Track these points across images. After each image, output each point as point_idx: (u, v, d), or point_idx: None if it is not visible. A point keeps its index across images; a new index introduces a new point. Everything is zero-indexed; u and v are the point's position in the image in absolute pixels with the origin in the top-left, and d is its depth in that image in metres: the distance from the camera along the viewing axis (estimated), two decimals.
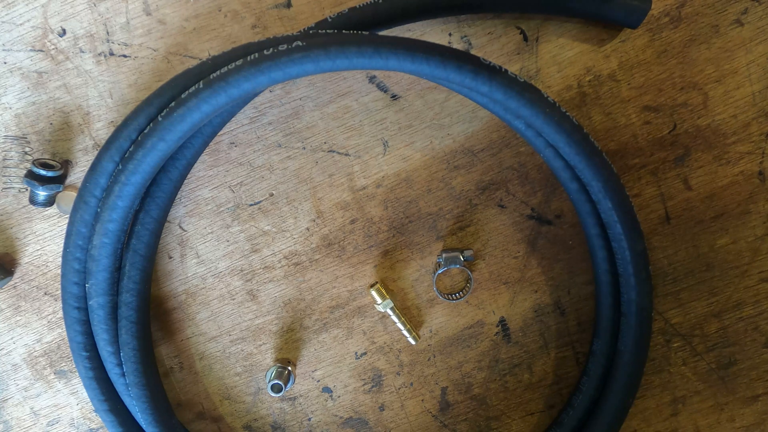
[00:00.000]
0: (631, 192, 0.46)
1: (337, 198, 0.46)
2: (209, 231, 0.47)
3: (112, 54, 0.45)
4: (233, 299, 0.48)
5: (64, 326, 0.47)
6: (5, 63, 0.45)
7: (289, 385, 0.47)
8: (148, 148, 0.38)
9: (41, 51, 0.44)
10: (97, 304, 0.42)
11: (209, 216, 0.47)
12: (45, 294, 0.47)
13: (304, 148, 0.46)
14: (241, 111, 0.44)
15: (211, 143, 0.45)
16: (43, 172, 0.43)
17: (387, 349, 0.48)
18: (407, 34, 0.44)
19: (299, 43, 0.36)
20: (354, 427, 0.49)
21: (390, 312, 0.46)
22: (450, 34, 0.44)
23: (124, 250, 0.42)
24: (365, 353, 0.48)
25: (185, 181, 0.45)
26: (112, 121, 0.45)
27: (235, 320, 0.48)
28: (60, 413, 0.49)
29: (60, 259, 0.46)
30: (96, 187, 0.40)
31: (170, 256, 0.47)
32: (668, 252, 0.46)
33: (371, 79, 0.45)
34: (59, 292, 0.47)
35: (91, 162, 0.43)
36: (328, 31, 0.39)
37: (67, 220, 0.46)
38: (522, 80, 0.39)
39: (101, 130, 0.45)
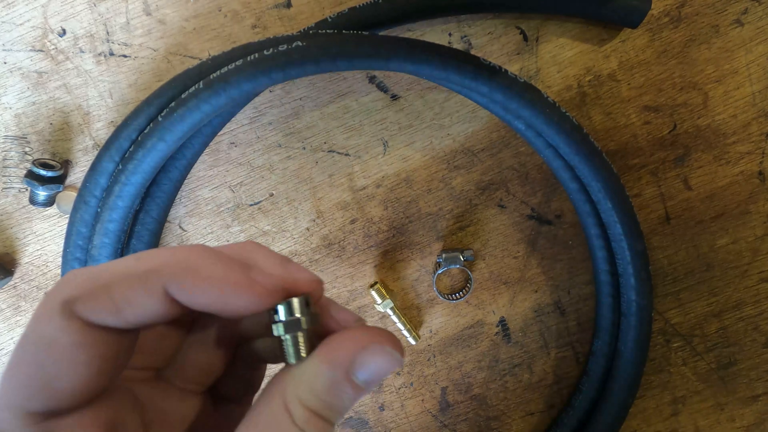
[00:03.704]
0: (631, 192, 0.46)
1: (337, 198, 0.46)
2: (209, 231, 0.47)
3: (112, 54, 0.45)
4: None
5: None
6: (5, 63, 0.45)
7: None
8: (148, 148, 0.38)
9: (41, 51, 0.44)
10: None
11: (209, 216, 0.47)
12: (45, 294, 0.47)
13: (304, 148, 0.46)
14: (241, 111, 0.44)
15: (211, 143, 0.45)
16: (43, 172, 0.43)
17: None
18: (407, 34, 0.44)
19: (299, 43, 0.36)
20: (354, 427, 0.49)
21: (390, 312, 0.46)
22: (450, 34, 0.44)
23: (124, 250, 0.42)
24: None
25: (185, 181, 0.45)
26: (112, 121, 0.45)
27: None
28: None
29: (60, 259, 0.46)
30: (96, 187, 0.40)
31: None
32: (668, 252, 0.46)
33: (371, 79, 0.45)
34: None
35: (91, 162, 0.43)
36: (328, 31, 0.39)
37: (67, 220, 0.46)
38: (522, 80, 0.39)
39: (101, 130, 0.45)
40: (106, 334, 0.20)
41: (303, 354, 0.21)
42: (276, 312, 0.21)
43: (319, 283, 0.23)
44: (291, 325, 0.21)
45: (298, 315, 0.21)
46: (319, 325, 0.23)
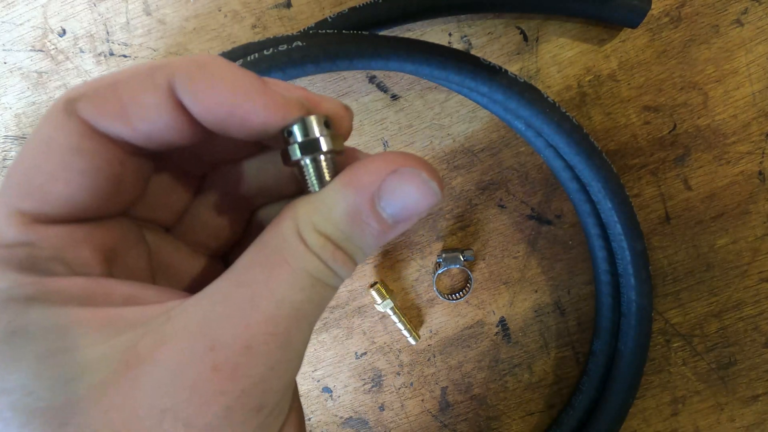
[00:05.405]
0: (631, 192, 0.46)
1: None
2: None
3: (112, 54, 0.45)
4: None
5: None
6: (5, 63, 0.45)
7: None
8: None
9: (41, 51, 0.44)
10: None
11: None
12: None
13: None
14: None
15: None
16: None
17: (387, 349, 0.48)
18: (407, 34, 0.44)
19: (299, 43, 0.36)
20: (354, 427, 0.49)
21: (390, 312, 0.46)
22: (450, 34, 0.44)
23: None
24: (365, 353, 0.48)
25: None
26: None
27: None
28: None
29: None
30: None
31: None
32: (668, 252, 0.46)
33: (371, 79, 0.45)
34: None
35: None
36: (328, 31, 0.39)
37: None
38: (522, 80, 0.39)
39: None
40: (109, 145, 0.18)
41: (327, 179, 0.18)
42: (291, 134, 0.18)
43: (345, 108, 0.19)
44: (309, 146, 0.17)
45: (316, 134, 0.17)
46: (343, 152, 0.19)
